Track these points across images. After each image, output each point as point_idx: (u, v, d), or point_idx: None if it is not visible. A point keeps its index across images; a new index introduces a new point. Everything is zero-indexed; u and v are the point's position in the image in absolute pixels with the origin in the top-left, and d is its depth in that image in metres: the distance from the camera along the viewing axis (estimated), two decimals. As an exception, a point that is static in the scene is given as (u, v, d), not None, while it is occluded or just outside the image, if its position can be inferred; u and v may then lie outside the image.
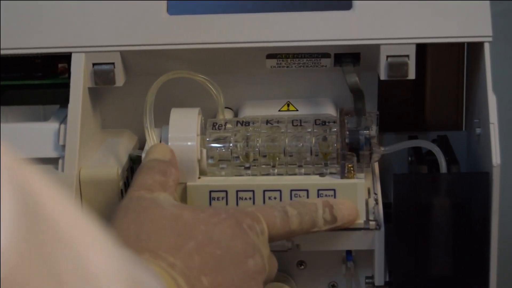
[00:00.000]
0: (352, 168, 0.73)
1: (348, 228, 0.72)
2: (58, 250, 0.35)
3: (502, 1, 1.12)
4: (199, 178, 0.74)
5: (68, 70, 0.77)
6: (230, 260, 0.61)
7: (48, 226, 0.35)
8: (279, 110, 0.81)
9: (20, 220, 0.32)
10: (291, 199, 0.72)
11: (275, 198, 0.72)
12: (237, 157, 0.75)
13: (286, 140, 0.75)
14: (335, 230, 0.71)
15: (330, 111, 0.80)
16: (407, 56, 0.75)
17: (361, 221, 0.72)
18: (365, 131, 0.74)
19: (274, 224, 0.66)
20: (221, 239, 0.61)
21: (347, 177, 0.73)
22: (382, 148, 0.75)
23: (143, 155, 0.74)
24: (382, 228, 0.73)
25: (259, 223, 0.65)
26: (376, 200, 0.74)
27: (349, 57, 0.78)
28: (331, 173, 0.74)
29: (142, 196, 0.65)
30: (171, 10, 0.77)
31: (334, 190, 0.72)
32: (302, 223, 0.67)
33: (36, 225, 0.34)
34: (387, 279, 0.75)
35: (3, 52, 0.76)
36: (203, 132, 0.76)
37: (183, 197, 0.73)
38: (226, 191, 0.73)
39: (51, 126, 0.75)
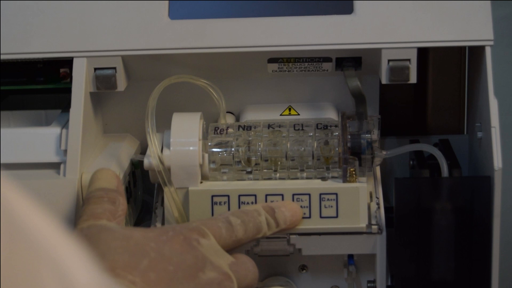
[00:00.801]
0: (354, 172, 0.73)
1: (350, 232, 0.73)
2: (42, 267, 0.35)
3: (503, 5, 1.12)
4: (201, 182, 0.74)
5: (70, 75, 0.77)
6: (183, 274, 0.61)
7: (30, 242, 0.35)
8: (281, 114, 0.81)
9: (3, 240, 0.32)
10: (293, 203, 0.72)
11: (277, 202, 0.72)
12: (239, 162, 0.75)
13: (288, 145, 0.75)
14: (281, 232, 0.71)
15: (331, 115, 0.81)
16: (409, 60, 0.75)
17: (363, 225, 0.73)
18: (366, 135, 0.74)
19: (220, 235, 0.66)
20: (172, 255, 0.62)
21: (349, 181, 0.73)
22: (384, 152, 0.75)
23: (144, 160, 0.74)
24: (384, 232, 0.73)
25: (206, 236, 0.65)
26: (378, 204, 0.74)
27: (350, 61, 0.78)
28: (333, 177, 0.74)
29: (92, 225, 0.65)
30: (172, 15, 0.77)
31: (336, 194, 0.72)
32: (247, 230, 0.68)
33: (18, 242, 0.34)
34: (389, 283, 0.75)
35: (5, 57, 0.76)
36: (205, 136, 0.76)
37: (185, 202, 0.73)
38: (228, 196, 0.73)
39: (53, 130, 0.75)
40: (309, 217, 0.72)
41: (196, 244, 0.64)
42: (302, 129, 0.76)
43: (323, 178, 0.74)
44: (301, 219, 0.72)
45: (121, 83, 0.77)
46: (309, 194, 0.72)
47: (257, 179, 0.75)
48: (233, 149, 0.75)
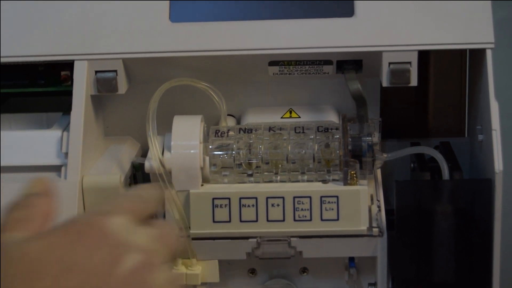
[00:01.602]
0: (354, 175, 0.73)
1: (351, 235, 0.73)
2: None
3: (503, 7, 1.12)
4: (202, 185, 0.74)
5: (71, 78, 0.77)
6: (97, 277, 0.53)
7: None
8: (282, 117, 0.81)
9: None
10: (294, 206, 0.72)
11: (278, 205, 0.72)
12: (240, 164, 0.75)
13: (289, 147, 0.75)
14: None
15: (332, 118, 0.81)
16: (409, 63, 0.75)
17: (364, 227, 0.73)
18: (367, 138, 0.74)
19: (128, 209, 0.58)
20: (81, 258, 0.54)
21: (350, 184, 0.73)
22: (385, 155, 0.75)
23: (145, 162, 0.74)
24: (385, 235, 0.73)
25: (116, 215, 0.56)
26: (379, 206, 0.74)
27: (351, 64, 0.78)
28: (333, 180, 0.74)
29: None
30: (173, 18, 0.77)
31: (337, 197, 0.72)
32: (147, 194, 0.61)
33: None
34: (390, 286, 0.75)
35: (6, 59, 0.76)
36: (205, 139, 0.76)
37: (186, 205, 0.73)
38: (229, 199, 0.73)
39: (54, 133, 0.75)
40: (310, 219, 0.72)
41: (110, 227, 0.55)
42: (303, 132, 0.76)
43: (324, 181, 0.74)
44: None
45: (122, 86, 0.77)
46: (310, 197, 0.72)
47: (258, 182, 0.75)
48: (234, 151, 0.75)
